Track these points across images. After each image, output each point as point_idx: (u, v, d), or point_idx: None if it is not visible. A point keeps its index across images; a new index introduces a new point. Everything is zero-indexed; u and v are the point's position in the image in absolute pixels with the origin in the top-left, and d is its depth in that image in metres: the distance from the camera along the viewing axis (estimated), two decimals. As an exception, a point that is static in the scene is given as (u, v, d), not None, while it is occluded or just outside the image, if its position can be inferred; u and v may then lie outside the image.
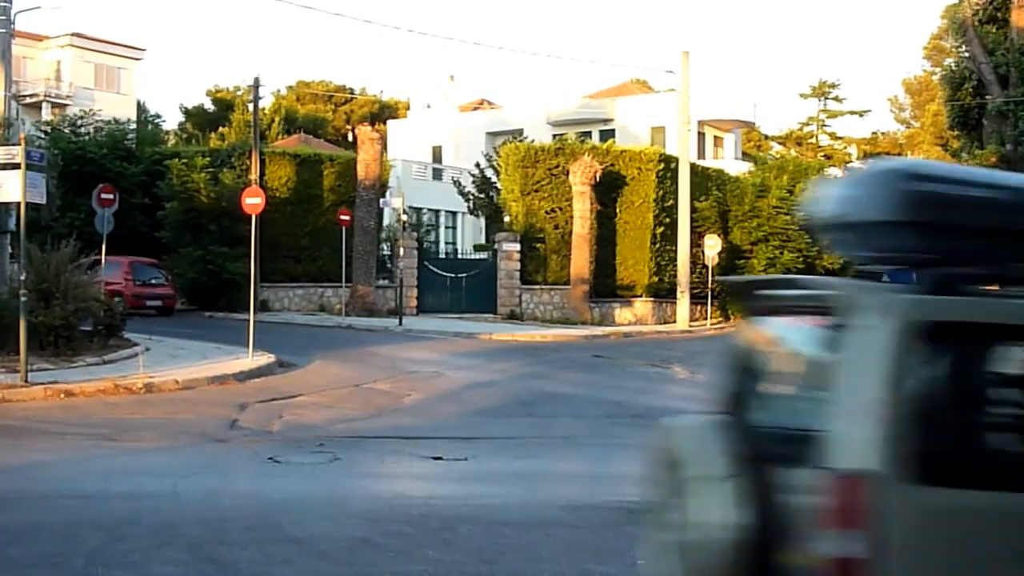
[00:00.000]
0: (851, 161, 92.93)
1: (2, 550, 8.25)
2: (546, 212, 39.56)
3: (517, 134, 49.84)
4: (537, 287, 39.46)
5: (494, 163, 44.25)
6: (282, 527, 9.23)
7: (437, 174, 56.38)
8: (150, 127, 57.64)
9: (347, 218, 35.09)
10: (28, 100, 61.17)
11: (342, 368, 22.49)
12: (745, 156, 66.69)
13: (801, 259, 43.24)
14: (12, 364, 18.02)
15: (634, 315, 40.56)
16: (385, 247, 40.43)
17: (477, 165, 46.34)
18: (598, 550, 8.92)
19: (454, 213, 54.11)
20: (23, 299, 17.61)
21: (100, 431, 14.36)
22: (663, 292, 41.10)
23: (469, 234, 54.60)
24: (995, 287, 4.94)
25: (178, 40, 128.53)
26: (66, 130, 39.44)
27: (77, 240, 22.51)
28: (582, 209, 37.95)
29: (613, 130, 58.29)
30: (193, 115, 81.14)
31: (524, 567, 8.27)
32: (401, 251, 37.38)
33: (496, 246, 39.83)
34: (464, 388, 20.79)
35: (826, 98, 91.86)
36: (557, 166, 39.32)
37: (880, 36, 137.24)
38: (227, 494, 10.94)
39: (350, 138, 51.50)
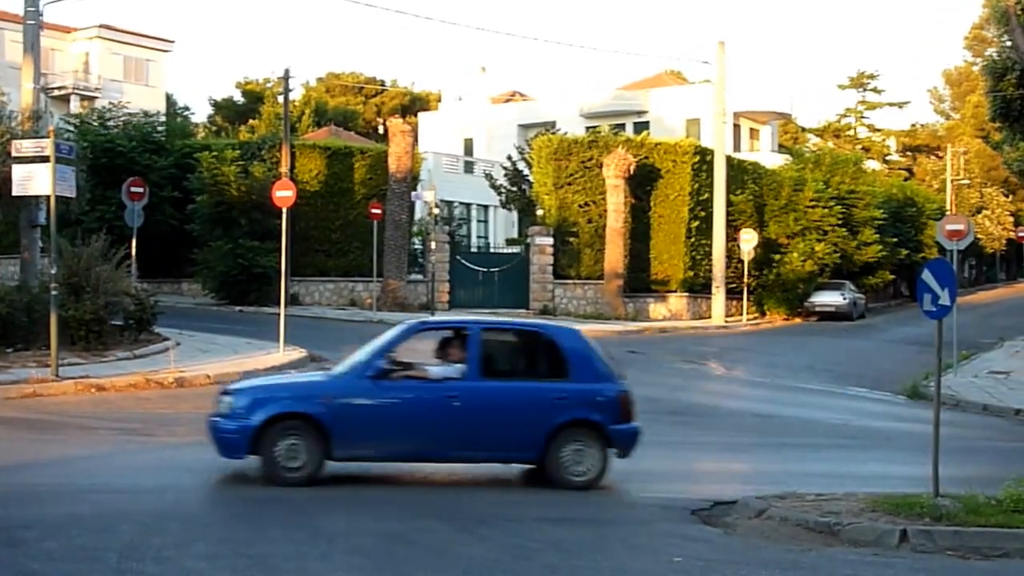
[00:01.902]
0: (890, 153, 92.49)
1: (37, 543, 8.24)
2: (579, 206, 39.24)
3: (550, 126, 49.58)
4: (570, 282, 39.17)
5: (526, 156, 44.00)
6: (315, 522, 9.25)
7: (469, 167, 56.08)
8: (179, 120, 57.66)
9: (378, 211, 34.88)
10: (56, 93, 61.34)
11: (374, 363, 22.26)
12: (782, 148, 66.37)
13: (837, 254, 42.84)
14: (43, 358, 18.06)
15: (668, 310, 40.22)
16: (416, 241, 40.15)
17: (509, 158, 46.10)
18: (633, 546, 8.93)
19: (486, 207, 53.91)
20: (54, 293, 17.62)
21: (132, 426, 14.36)
22: (698, 287, 40.78)
23: (501, 228, 54.41)
24: None
25: (207, 32, 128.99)
26: (95, 123, 39.40)
27: (107, 234, 22.48)
28: (616, 202, 37.61)
29: (647, 122, 57.99)
30: (222, 108, 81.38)
31: (559, 563, 8.27)
32: (433, 245, 37.16)
33: (529, 240, 39.57)
34: (497, 384, 20.60)
35: (864, 89, 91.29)
36: (590, 159, 38.99)
37: (920, 26, 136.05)
38: (260, 489, 10.91)
39: (381, 131, 51.29)
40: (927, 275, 10.70)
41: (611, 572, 8.11)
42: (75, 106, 58.28)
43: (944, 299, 10.59)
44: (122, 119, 39.67)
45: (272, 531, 8.92)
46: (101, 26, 64.35)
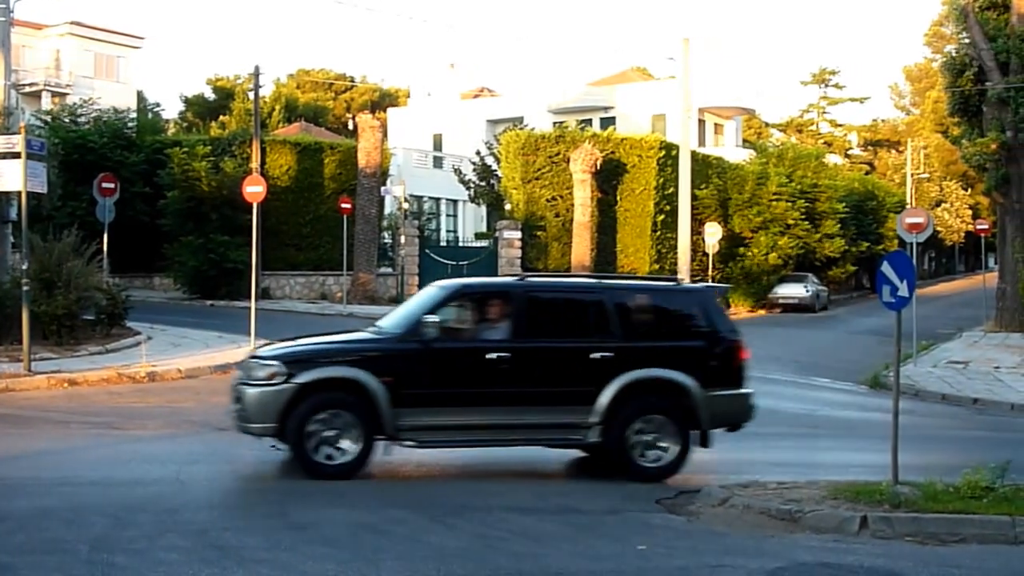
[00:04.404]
0: (851, 148, 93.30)
1: (9, 537, 8.29)
2: (547, 200, 39.61)
3: (518, 122, 49.85)
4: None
5: (495, 151, 44.26)
6: (286, 513, 9.33)
7: (438, 162, 56.32)
8: (150, 116, 57.53)
9: (348, 206, 35.13)
10: (28, 89, 60.97)
11: (344, 356, 22.45)
12: (746, 143, 66.81)
13: (800, 247, 43.40)
14: (15, 354, 18.14)
15: (635, 303, 40.53)
16: (386, 235, 40.45)
17: (478, 153, 46.32)
18: (599, 534, 9.01)
19: (455, 201, 54.13)
20: (26, 288, 17.68)
21: (104, 420, 14.42)
22: (664, 280, 41.10)
23: (470, 222, 54.61)
24: None
25: (178, 28, 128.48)
26: (66, 119, 39.45)
27: (79, 229, 22.57)
28: (583, 197, 37.98)
29: (614, 118, 58.24)
30: (193, 104, 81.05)
31: (526, 551, 8.33)
32: (402, 239, 37.42)
33: (497, 234, 39.85)
34: (466, 376, 20.81)
35: (826, 85, 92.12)
36: (558, 154, 39.36)
37: (880, 23, 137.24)
38: (231, 481, 11.10)
39: (351, 126, 51.44)
40: (886, 267, 10.74)
41: (577, 560, 8.17)
42: (46, 102, 57.90)
43: (903, 291, 10.62)
44: (93, 115, 39.73)
45: (243, 522, 8.97)
46: (72, 22, 63.93)
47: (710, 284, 12.82)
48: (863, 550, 8.82)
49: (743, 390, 12.11)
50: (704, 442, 11.83)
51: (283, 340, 12.69)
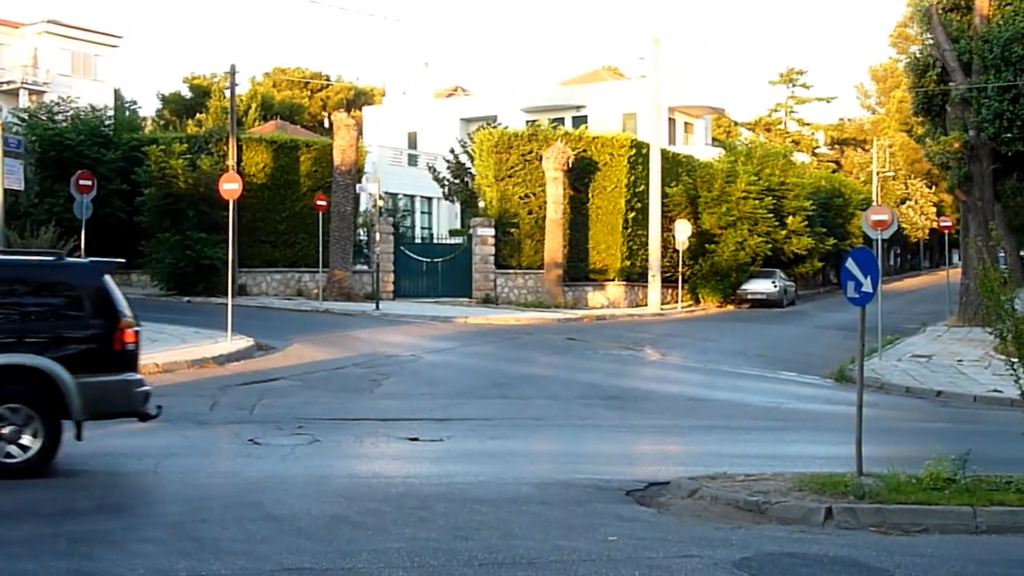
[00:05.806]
0: (818, 146, 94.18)
1: None
2: (520, 197, 39.98)
3: (491, 120, 50.21)
4: (511, 271, 39.97)
5: (468, 149, 44.57)
6: (262, 506, 9.51)
7: (412, 160, 56.73)
8: (127, 114, 57.57)
9: (324, 203, 35.42)
10: (5, 87, 61.04)
11: (320, 351, 22.81)
12: (715, 142, 67.34)
13: (768, 243, 43.95)
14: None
15: (606, 298, 41.15)
16: (362, 232, 40.75)
17: (452, 151, 46.63)
18: (570, 526, 9.21)
19: (429, 199, 54.46)
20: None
21: None
22: (635, 276, 41.73)
23: (444, 219, 54.97)
24: None
25: (155, 27, 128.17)
26: (43, 117, 39.47)
27: (56, 226, 22.90)
28: (555, 194, 38.41)
29: (585, 116, 58.66)
30: (170, 102, 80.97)
31: (498, 543, 8.45)
32: (377, 236, 37.72)
33: (471, 231, 40.24)
34: (440, 371, 21.23)
35: (794, 85, 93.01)
36: (530, 152, 39.73)
37: (847, 24, 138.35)
38: (208, 474, 11.24)
39: (326, 124, 51.73)
40: (851, 263, 10.80)
41: (549, 551, 8.22)
42: (24, 100, 57.92)
43: (867, 286, 10.65)
44: (71, 113, 39.76)
45: (219, 515, 9.06)
46: (49, 21, 63.89)
47: (97, 260, 11.81)
48: (828, 540, 8.97)
49: (129, 376, 10.98)
50: (79, 434, 10.72)
51: None
